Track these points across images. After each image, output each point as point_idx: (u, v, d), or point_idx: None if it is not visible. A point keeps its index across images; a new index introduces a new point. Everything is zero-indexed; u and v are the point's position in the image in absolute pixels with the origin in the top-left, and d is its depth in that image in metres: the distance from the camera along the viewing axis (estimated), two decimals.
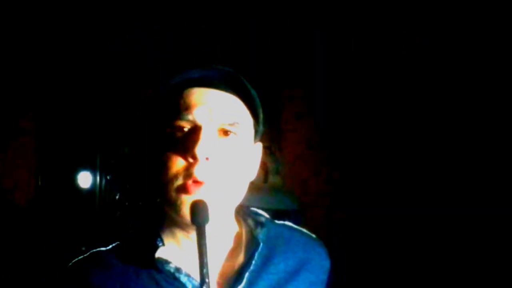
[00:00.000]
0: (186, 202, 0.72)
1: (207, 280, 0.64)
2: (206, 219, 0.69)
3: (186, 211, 0.72)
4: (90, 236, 3.44)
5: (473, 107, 3.12)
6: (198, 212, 0.69)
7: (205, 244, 0.66)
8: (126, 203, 3.46)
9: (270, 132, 3.49)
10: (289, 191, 3.14)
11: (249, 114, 0.81)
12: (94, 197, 3.51)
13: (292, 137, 3.59)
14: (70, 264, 0.82)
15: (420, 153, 3.35)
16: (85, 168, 3.55)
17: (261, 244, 0.80)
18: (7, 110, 3.30)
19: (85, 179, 3.55)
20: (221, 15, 3.50)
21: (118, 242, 0.84)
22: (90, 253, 0.83)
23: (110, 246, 0.84)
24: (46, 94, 3.42)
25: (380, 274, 3.18)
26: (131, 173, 3.39)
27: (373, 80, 3.54)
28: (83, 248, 0.84)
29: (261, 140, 0.86)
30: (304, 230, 0.92)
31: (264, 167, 3.39)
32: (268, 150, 3.46)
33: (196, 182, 0.72)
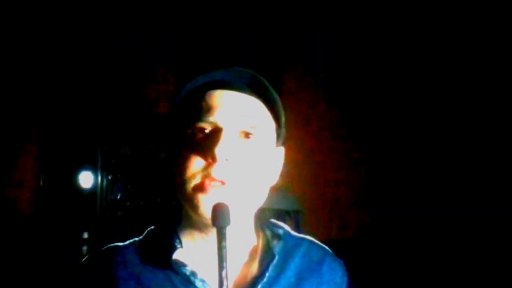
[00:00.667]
0: (203, 201, 0.72)
1: (225, 283, 0.64)
2: (227, 221, 0.68)
3: (203, 210, 0.72)
4: (92, 236, 3.45)
5: (473, 107, 3.12)
6: (220, 214, 0.68)
7: (225, 247, 0.66)
8: (128, 203, 3.48)
9: None
10: (291, 191, 3.15)
11: (271, 117, 0.80)
12: (95, 197, 3.52)
13: (293, 138, 3.60)
14: (87, 256, 0.82)
15: (420, 152, 3.35)
16: (86, 168, 3.56)
17: (277, 257, 0.79)
18: (10, 111, 3.31)
19: (86, 179, 3.56)
20: (221, 15, 3.50)
21: (135, 239, 0.84)
22: (107, 247, 0.83)
23: (128, 242, 0.83)
24: (48, 95, 3.43)
25: (390, 273, 3.18)
26: (132, 173, 3.40)
27: (373, 80, 3.54)
28: (84, 248, 0.85)
29: (284, 145, 0.84)
30: (326, 248, 0.90)
31: None
32: None
33: (213, 181, 0.72)
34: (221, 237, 0.67)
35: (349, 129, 3.58)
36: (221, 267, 0.65)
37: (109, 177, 3.53)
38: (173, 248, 0.77)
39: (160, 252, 0.78)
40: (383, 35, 3.47)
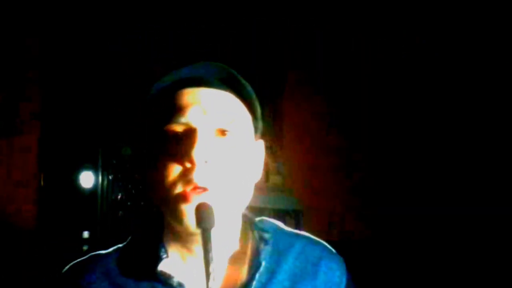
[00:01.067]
0: (187, 211, 0.67)
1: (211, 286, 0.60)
2: (212, 223, 0.64)
3: (188, 222, 0.67)
4: (92, 235, 3.46)
5: (473, 107, 3.12)
6: (204, 215, 0.64)
7: (211, 250, 0.62)
8: (128, 203, 3.48)
9: (271, 132, 3.50)
10: (290, 191, 3.15)
11: (247, 111, 0.75)
12: (96, 197, 3.52)
13: (293, 138, 3.60)
14: (68, 266, 0.79)
15: (420, 152, 3.35)
16: (87, 168, 3.57)
17: (263, 263, 0.75)
18: (11, 110, 3.31)
19: (87, 179, 3.57)
20: (221, 15, 3.50)
21: (118, 246, 0.80)
22: (89, 256, 0.79)
23: (111, 249, 0.79)
24: (49, 95, 3.43)
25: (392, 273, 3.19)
26: (132, 173, 3.41)
27: (374, 80, 3.54)
28: (85, 248, 0.84)
29: (262, 138, 0.80)
30: (325, 244, 0.85)
31: (265, 167, 3.42)
32: (269, 150, 3.47)
33: (196, 188, 0.67)
34: (206, 239, 0.63)
35: (349, 129, 3.58)
36: (207, 273, 0.61)
37: (110, 177, 3.53)
38: (158, 259, 0.73)
39: (144, 262, 0.74)
40: (383, 35, 3.46)
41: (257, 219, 0.82)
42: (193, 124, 0.69)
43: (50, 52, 3.44)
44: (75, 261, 0.79)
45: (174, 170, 0.68)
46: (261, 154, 0.80)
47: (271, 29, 3.57)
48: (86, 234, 3.48)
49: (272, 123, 3.49)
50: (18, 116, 3.31)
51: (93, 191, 3.53)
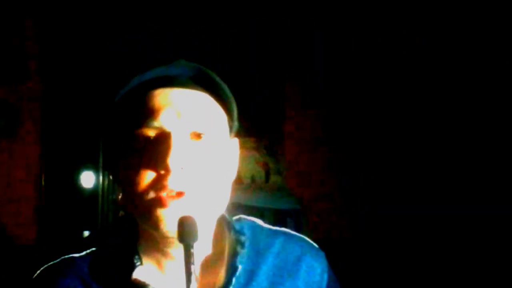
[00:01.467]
0: (164, 216, 0.64)
1: None
2: (195, 237, 0.61)
3: (166, 228, 0.64)
4: (92, 235, 3.46)
5: (473, 107, 3.13)
6: (187, 230, 0.61)
7: (193, 263, 0.60)
8: None
9: (271, 132, 3.50)
10: (290, 190, 3.15)
11: (222, 111, 0.72)
12: (96, 197, 3.53)
13: (293, 137, 3.60)
14: (40, 270, 0.76)
15: (420, 152, 3.35)
16: (88, 168, 3.57)
17: (240, 267, 0.72)
18: (12, 110, 3.32)
19: (88, 179, 3.58)
20: (221, 15, 3.50)
21: (93, 249, 0.76)
22: (62, 259, 0.76)
23: (84, 253, 0.76)
24: (50, 94, 3.44)
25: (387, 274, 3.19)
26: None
27: (373, 80, 3.54)
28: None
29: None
30: (304, 239, 0.83)
31: (265, 167, 3.40)
32: (270, 150, 3.47)
33: (171, 192, 0.64)
34: (188, 255, 0.61)
35: (350, 129, 3.58)
36: (188, 284, 0.59)
37: (110, 177, 3.55)
38: (132, 266, 0.70)
39: (118, 270, 0.71)
40: (383, 35, 3.47)
41: (234, 218, 0.79)
42: (167, 128, 0.65)
43: (51, 51, 3.45)
44: (47, 265, 0.76)
45: (148, 177, 0.65)
46: (236, 152, 0.77)
47: (271, 29, 3.57)
48: (86, 233, 3.49)
49: (272, 123, 3.50)
50: (19, 116, 3.32)
51: (93, 191, 3.54)
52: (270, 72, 3.58)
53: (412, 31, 3.36)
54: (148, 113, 0.66)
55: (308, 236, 0.84)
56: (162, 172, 0.64)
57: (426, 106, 3.35)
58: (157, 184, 0.64)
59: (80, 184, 3.56)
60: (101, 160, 3.55)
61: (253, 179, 3.37)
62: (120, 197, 0.72)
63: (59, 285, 0.72)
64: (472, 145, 3.11)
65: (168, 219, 0.64)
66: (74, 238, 3.37)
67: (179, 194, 0.64)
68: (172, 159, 0.63)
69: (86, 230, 3.49)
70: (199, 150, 0.67)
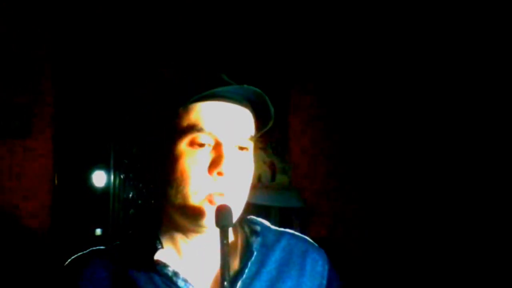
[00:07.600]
0: (206, 211, 0.76)
1: (227, 278, 0.68)
2: (230, 222, 0.73)
3: (205, 220, 0.77)
4: (104, 232, 3.52)
5: (473, 107, 3.11)
6: (225, 215, 0.73)
7: (228, 245, 0.71)
8: (139, 201, 3.52)
9: (278, 133, 3.53)
10: (296, 190, 3.19)
11: (258, 129, 0.85)
12: (108, 196, 3.57)
13: (299, 139, 3.60)
14: (70, 259, 0.84)
15: (421, 152, 3.35)
16: (99, 167, 3.62)
17: (255, 253, 0.83)
18: (25, 112, 3.35)
19: (99, 179, 3.63)
20: (221, 15, 3.50)
21: (117, 242, 0.86)
22: (90, 250, 0.85)
23: (110, 245, 0.86)
24: (61, 96, 3.46)
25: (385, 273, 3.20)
26: (143, 173, 3.43)
27: (374, 81, 3.53)
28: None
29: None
30: (307, 238, 0.94)
31: (272, 166, 3.44)
32: (276, 150, 3.51)
33: (217, 193, 0.77)
34: (224, 236, 0.71)
35: (351, 129, 3.59)
36: (223, 262, 0.69)
37: (122, 176, 3.59)
38: (154, 249, 0.79)
39: (141, 254, 0.80)
40: (383, 35, 3.46)
41: (247, 217, 0.91)
42: (220, 139, 0.78)
43: (63, 54, 3.47)
44: (77, 255, 0.85)
45: (201, 178, 0.77)
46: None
47: (274, 31, 3.57)
48: (98, 231, 3.56)
49: (278, 124, 3.52)
50: (32, 117, 3.35)
51: (105, 190, 3.58)
52: (276, 73, 3.59)
53: (412, 31, 3.35)
54: (208, 122, 0.78)
55: (313, 234, 0.94)
56: (215, 175, 0.77)
57: (426, 106, 3.33)
58: (209, 186, 0.77)
59: (92, 183, 3.61)
60: (112, 160, 3.58)
61: (259, 179, 3.43)
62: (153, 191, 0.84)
63: (88, 272, 0.81)
64: (472, 145, 3.09)
65: (209, 214, 0.76)
66: (86, 235, 3.43)
67: (221, 195, 0.77)
68: (225, 166, 0.76)
69: (97, 228, 3.54)
70: (241, 161, 0.80)
